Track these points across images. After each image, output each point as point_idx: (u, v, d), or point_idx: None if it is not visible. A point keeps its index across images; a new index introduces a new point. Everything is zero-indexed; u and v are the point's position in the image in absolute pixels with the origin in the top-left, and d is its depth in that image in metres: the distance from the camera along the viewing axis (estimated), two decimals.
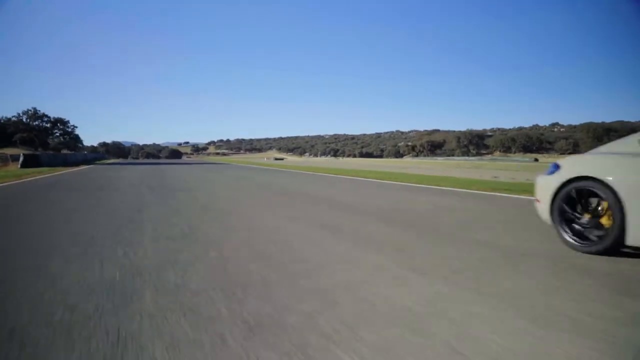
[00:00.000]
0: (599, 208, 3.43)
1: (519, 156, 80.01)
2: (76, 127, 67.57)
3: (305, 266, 3.11)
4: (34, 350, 1.79)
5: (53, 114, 62.69)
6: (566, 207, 3.67)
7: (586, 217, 3.56)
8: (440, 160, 73.62)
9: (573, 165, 3.77)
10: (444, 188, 9.93)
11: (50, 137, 64.39)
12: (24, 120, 60.01)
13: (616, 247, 3.22)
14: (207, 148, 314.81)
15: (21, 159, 25.17)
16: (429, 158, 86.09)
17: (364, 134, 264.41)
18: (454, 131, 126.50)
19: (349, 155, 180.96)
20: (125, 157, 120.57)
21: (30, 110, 59.97)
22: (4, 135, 56.47)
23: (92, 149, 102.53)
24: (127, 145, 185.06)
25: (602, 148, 3.88)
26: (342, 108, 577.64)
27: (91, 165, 31.37)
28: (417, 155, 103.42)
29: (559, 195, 3.73)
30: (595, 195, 3.42)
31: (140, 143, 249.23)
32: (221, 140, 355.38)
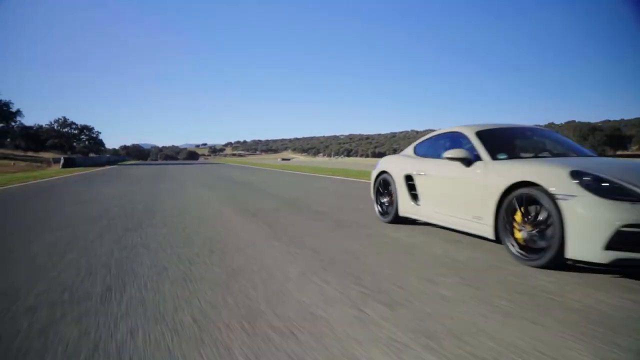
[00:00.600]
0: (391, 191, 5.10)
1: None
2: (100, 132, 75.80)
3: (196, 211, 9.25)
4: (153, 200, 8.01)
5: (78, 118, 70.02)
6: (380, 189, 5.38)
7: (386, 198, 5.26)
8: None
9: (381, 162, 5.52)
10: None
11: (77, 142, 72.37)
12: (55, 127, 68.17)
13: (396, 217, 4.97)
14: (224, 149, 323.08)
15: (62, 161, 32.26)
16: None
17: (379, 134, 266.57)
18: None
19: (361, 155, 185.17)
20: (145, 159, 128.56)
21: (61, 119, 68.41)
22: (39, 141, 64.76)
23: (114, 151, 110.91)
24: (146, 147, 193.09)
25: (404, 151, 5.42)
26: (358, 109, 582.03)
27: (114, 166, 38.37)
28: None
29: (377, 182, 5.44)
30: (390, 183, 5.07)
31: (160, 145, 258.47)
32: (238, 142, 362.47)
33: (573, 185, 2.83)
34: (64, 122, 69.34)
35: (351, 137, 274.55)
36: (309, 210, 6.39)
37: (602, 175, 2.87)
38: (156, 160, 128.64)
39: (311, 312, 2.19)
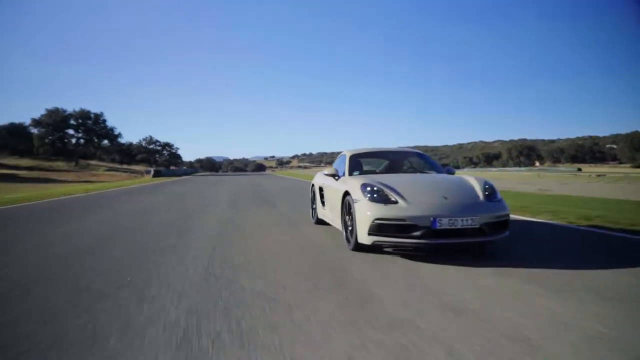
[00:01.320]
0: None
1: (567, 166, 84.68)
2: (178, 148, 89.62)
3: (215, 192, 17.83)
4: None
5: (160, 135, 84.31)
6: (312, 198, 6.68)
7: (314, 205, 6.56)
8: (483, 170, 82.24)
9: (314, 177, 6.76)
10: None
11: (160, 156, 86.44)
12: (143, 144, 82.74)
13: (317, 220, 6.25)
14: (291, 162, 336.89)
15: (152, 172, 43.42)
16: (477, 169, 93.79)
17: (445, 145, 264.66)
18: (507, 141, 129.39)
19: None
20: (216, 170, 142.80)
21: (147, 137, 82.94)
22: (131, 155, 79.38)
23: (190, 164, 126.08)
24: (218, 160, 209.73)
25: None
26: (424, 119, 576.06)
27: (190, 176, 48.83)
28: (474, 167, 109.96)
29: (311, 192, 6.77)
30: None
31: (231, 158, 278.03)
32: (304, 154, 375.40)
33: (360, 193, 4.16)
34: (150, 140, 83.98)
35: (415, 149, 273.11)
36: (274, 199, 14.02)
37: (377, 186, 4.14)
38: (226, 171, 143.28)
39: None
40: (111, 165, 65.06)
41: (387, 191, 4.07)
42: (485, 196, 4.15)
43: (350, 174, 5.29)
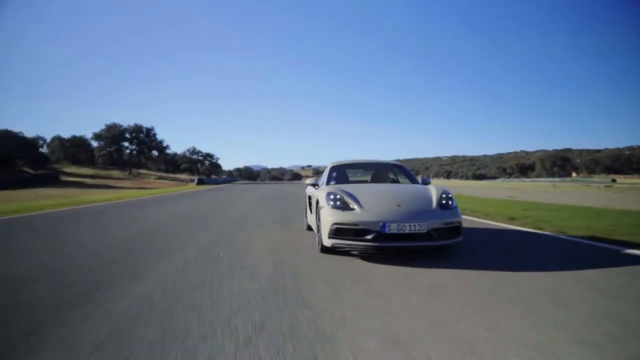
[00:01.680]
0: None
1: (602, 177, 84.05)
2: (219, 158, 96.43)
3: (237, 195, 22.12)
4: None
5: (202, 145, 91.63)
6: (306, 203, 6.88)
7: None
8: (506, 181, 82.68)
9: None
10: None
11: (201, 166, 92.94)
12: (187, 155, 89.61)
13: (308, 226, 6.74)
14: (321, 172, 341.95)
15: (196, 180, 48.73)
16: (510, 179, 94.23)
17: (485, 155, 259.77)
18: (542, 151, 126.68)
19: (461, 177, 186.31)
20: (254, 179, 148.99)
21: (191, 148, 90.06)
22: (175, 165, 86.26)
23: (229, 173, 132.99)
24: (256, 169, 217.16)
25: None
26: (463, 128, 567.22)
27: (229, 184, 54.11)
28: (509, 177, 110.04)
29: (306, 199, 6.98)
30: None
31: (269, 167, 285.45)
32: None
33: (324, 201, 4.68)
34: (193, 151, 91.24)
35: (453, 159, 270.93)
36: (287, 197, 18.29)
37: (340, 195, 4.67)
38: (263, 180, 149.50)
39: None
40: (159, 174, 71.68)
41: (348, 199, 4.56)
42: (439, 204, 4.59)
43: (328, 183, 5.87)
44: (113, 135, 64.04)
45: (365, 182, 6.34)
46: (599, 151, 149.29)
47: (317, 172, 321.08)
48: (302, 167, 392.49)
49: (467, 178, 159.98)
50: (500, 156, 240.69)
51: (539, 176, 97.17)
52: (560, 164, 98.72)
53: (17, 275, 3.84)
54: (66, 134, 67.48)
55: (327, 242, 4.49)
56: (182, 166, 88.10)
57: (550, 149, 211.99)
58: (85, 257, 4.68)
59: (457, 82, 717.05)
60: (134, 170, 65.95)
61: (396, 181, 6.33)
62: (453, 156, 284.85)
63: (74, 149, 65.23)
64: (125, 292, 3.23)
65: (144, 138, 67.12)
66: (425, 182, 5.83)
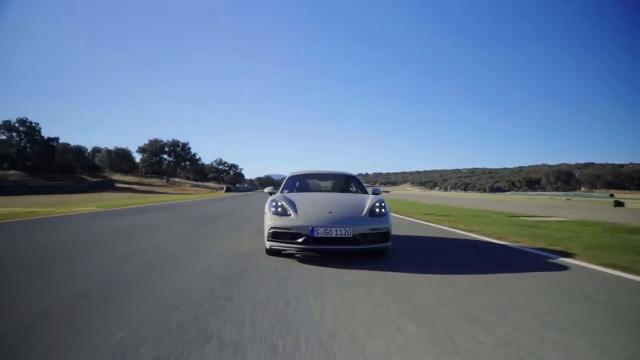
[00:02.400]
0: None
1: (602, 192, 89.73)
2: (242, 168, 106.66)
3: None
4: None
5: (227, 156, 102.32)
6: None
7: None
8: (512, 195, 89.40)
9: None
10: None
11: (226, 175, 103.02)
12: (214, 165, 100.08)
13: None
14: None
15: (225, 188, 58.16)
16: (517, 193, 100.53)
17: (505, 168, 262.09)
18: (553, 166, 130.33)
19: (478, 190, 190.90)
20: (276, 187, 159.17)
21: (217, 159, 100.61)
22: (204, 174, 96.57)
23: (250, 181, 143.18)
24: (276, 177, 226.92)
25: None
26: (483, 141, 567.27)
27: (251, 192, 63.10)
28: (517, 190, 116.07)
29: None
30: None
31: (288, 176, 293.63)
32: (360, 174, 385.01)
33: (267, 207, 5.18)
34: (220, 162, 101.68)
35: (472, 171, 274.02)
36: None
37: (281, 202, 5.10)
38: None
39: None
40: (191, 182, 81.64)
41: (287, 206, 5.02)
42: (370, 212, 5.00)
43: (282, 191, 6.37)
44: (155, 148, 75.53)
45: (325, 191, 6.93)
46: (622, 166, 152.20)
47: None
48: None
49: (485, 191, 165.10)
50: (520, 169, 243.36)
51: (543, 189, 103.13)
52: (564, 178, 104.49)
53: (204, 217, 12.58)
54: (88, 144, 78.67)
55: (267, 244, 4.96)
56: (209, 175, 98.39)
57: (573, 162, 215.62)
58: (208, 215, 13.37)
59: (480, 95, 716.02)
60: (171, 179, 76.42)
61: (346, 191, 6.71)
62: (473, 168, 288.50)
63: (118, 159, 75.71)
64: (234, 215, 12.35)
65: (180, 151, 78.28)
66: (375, 192, 6.23)
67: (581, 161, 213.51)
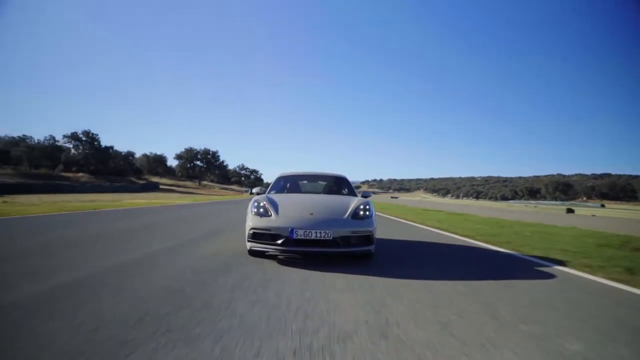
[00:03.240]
0: None
1: (595, 202, 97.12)
2: (262, 173, 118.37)
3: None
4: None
5: (247, 162, 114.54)
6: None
7: None
8: (508, 203, 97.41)
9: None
10: None
11: (247, 179, 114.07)
12: (237, 170, 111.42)
13: None
14: (360, 187, 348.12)
15: (250, 191, 68.36)
16: (517, 201, 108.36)
17: (520, 177, 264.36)
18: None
19: (490, 198, 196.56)
20: None
21: (240, 165, 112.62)
22: (227, 178, 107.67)
23: (267, 184, 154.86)
24: None
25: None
26: (501, 150, 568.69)
27: None
28: (520, 199, 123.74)
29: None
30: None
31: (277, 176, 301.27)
32: (375, 180, 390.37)
33: (249, 208, 5.01)
34: (242, 167, 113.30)
35: (487, 180, 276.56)
36: None
37: (263, 202, 4.95)
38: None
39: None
40: (218, 185, 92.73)
41: (269, 207, 4.85)
42: (353, 214, 4.81)
43: (269, 192, 6.13)
44: (189, 156, 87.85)
45: (314, 192, 6.75)
46: (637, 177, 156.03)
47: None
48: None
49: (496, 199, 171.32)
50: (536, 178, 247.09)
51: (545, 198, 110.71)
52: (562, 189, 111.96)
53: None
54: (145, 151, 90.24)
55: (247, 244, 4.82)
56: (232, 179, 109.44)
57: (589, 172, 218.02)
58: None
59: (499, 103, 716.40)
60: (202, 182, 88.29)
61: (336, 192, 6.58)
62: (487, 177, 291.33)
63: (155, 164, 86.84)
64: None
65: (210, 158, 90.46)
66: (365, 195, 6.18)
67: (598, 172, 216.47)
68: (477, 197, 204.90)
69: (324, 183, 7.30)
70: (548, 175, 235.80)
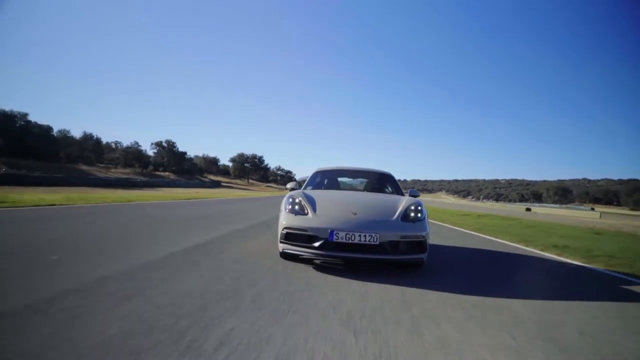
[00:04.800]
0: None
1: (586, 206, 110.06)
2: (296, 174, 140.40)
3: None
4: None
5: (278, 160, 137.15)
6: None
7: None
8: (512, 205, 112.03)
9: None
10: None
11: (282, 178, 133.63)
12: (275, 170, 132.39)
13: None
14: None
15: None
16: (520, 203, 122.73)
17: (544, 180, 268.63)
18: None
19: (509, 201, 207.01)
20: None
21: (277, 166, 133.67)
22: (267, 177, 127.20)
23: (301, 181, 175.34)
24: None
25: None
26: (529, 153, 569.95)
27: None
28: (526, 201, 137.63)
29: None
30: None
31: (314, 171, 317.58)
32: (398, 180, 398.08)
33: (283, 204, 4.63)
34: (279, 168, 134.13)
35: (510, 182, 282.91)
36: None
37: (299, 199, 4.57)
38: None
39: None
40: (262, 183, 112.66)
41: (305, 204, 4.44)
42: (403, 216, 4.34)
43: (305, 188, 5.81)
44: (240, 159, 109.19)
45: (355, 190, 6.27)
46: None
47: None
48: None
49: (515, 202, 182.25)
50: (560, 182, 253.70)
51: (544, 202, 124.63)
52: (561, 193, 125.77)
53: None
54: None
55: (279, 246, 4.42)
56: (270, 178, 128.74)
57: (616, 178, 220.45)
58: None
59: (524, 107, 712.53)
60: (250, 181, 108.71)
61: (379, 190, 6.09)
62: (511, 179, 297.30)
63: (210, 164, 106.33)
64: None
65: (257, 162, 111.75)
66: (413, 195, 5.70)
67: (624, 177, 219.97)
68: (497, 199, 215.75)
69: (367, 180, 6.80)
70: (573, 180, 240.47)
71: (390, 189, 6.30)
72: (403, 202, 4.77)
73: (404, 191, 6.05)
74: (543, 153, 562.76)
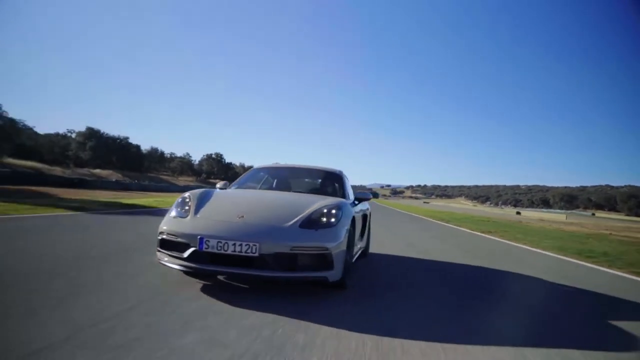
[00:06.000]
0: None
1: (588, 211, 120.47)
2: None
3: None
4: None
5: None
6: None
7: None
8: (510, 208, 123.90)
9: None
10: None
11: None
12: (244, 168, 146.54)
13: None
14: (404, 192, 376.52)
15: None
16: (525, 208, 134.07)
17: (565, 187, 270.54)
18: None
19: (526, 206, 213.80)
20: None
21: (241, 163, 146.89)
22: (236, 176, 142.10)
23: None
24: None
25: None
26: (554, 160, 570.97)
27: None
28: (536, 207, 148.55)
29: None
30: None
31: (351, 184, 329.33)
32: (418, 185, 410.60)
33: (173, 205, 3.84)
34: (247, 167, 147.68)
35: (531, 188, 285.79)
36: None
37: (189, 198, 3.76)
38: None
39: None
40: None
41: (193, 204, 3.63)
42: (306, 222, 3.40)
43: (232, 186, 5.00)
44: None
45: (294, 190, 5.09)
46: None
47: (395, 192, 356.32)
48: (382, 186, 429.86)
49: (526, 207, 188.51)
50: (583, 188, 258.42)
51: (551, 207, 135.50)
52: (567, 199, 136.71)
53: None
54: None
55: (157, 255, 3.48)
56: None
57: (635, 184, 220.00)
58: None
59: (548, 115, 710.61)
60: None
61: (320, 192, 4.91)
62: (533, 185, 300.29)
63: (245, 171, 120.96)
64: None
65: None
66: (362, 197, 4.94)
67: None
68: (515, 205, 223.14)
69: (310, 180, 5.81)
70: (595, 186, 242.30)
71: (332, 189, 5.06)
72: (318, 203, 3.81)
73: (351, 192, 5.16)
74: (566, 160, 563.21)
